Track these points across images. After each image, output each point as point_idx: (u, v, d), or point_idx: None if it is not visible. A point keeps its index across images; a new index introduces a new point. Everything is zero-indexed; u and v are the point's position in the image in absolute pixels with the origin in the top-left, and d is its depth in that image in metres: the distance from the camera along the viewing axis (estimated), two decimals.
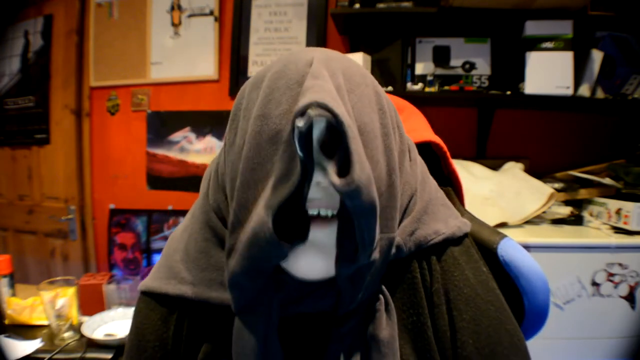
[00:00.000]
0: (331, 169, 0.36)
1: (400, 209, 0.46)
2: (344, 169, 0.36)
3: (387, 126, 0.44)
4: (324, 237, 0.40)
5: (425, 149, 0.64)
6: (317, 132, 0.39)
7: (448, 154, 0.65)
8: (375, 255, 0.40)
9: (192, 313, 0.49)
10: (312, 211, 0.40)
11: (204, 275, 0.47)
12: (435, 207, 0.50)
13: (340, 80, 0.41)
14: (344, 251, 0.39)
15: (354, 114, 0.40)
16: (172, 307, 0.49)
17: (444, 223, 0.49)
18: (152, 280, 0.51)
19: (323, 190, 0.40)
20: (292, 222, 0.39)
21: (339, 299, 0.43)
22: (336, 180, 0.35)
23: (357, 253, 0.38)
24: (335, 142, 0.38)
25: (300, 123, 0.35)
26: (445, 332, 0.46)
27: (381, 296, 0.45)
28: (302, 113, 0.35)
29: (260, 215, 0.37)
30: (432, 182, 0.54)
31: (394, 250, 0.44)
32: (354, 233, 0.38)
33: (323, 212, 0.40)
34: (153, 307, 0.50)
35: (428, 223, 0.48)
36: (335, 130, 0.36)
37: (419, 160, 0.53)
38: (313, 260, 0.40)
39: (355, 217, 0.37)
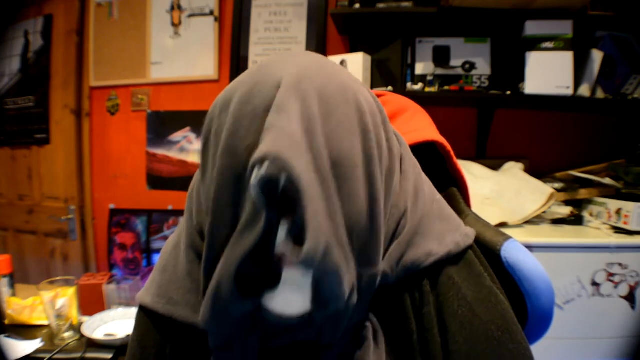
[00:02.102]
0: (287, 236, 0.34)
1: (387, 235, 0.44)
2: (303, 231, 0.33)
3: (371, 148, 0.40)
4: (297, 276, 0.38)
5: (429, 148, 0.63)
6: (282, 182, 0.35)
7: (452, 153, 0.63)
8: (353, 299, 0.38)
9: (184, 335, 0.49)
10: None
11: (189, 298, 0.46)
12: (429, 224, 0.47)
13: (314, 106, 0.37)
14: (317, 296, 0.38)
15: (328, 144, 0.37)
16: (168, 327, 0.49)
17: (438, 242, 0.46)
18: (146, 295, 0.51)
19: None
20: (262, 265, 0.37)
21: (321, 331, 0.41)
22: (287, 247, 0.33)
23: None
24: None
25: (255, 180, 0.32)
26: (437, 356, 0.44)
27: (368, 324, 0.43)
28: (258, 163, 0.33)
29: (223, 269, 0.35)
30: (427, 193, 0.50)
31: (379, 280, 0.42)
32: None
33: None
34: (152, 323, 0.50)
35: (419, 245, 0.45)
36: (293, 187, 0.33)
37: (410, 171, 0.49)
38: (288, 299, 0.38)
39: (318, 280, 0.36)
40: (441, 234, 0.47)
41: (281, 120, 0.35)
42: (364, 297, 0.41)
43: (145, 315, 0.51)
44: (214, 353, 0.42)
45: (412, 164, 0.51)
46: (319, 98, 0.38)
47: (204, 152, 0.42)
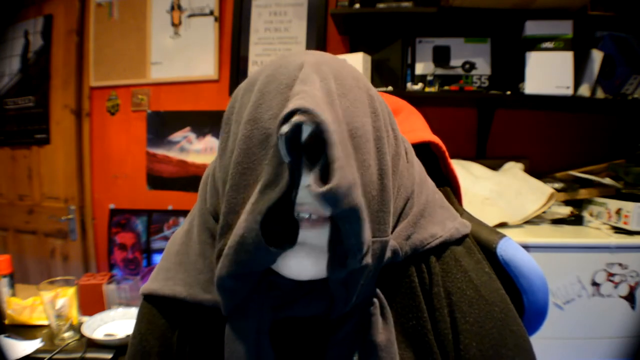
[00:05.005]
0: (314, 175, 0.36)
1: (395, 212, 0.46)
2: (327, 175, 0.35)
3: (380, 129, 0.44)
4: (314, 238, 0.40)
5: (423, 149, 0.64)
6: (304, 137, 0.39)
7: (447, 154, 0.65)
8: (368, 260, 0.39)
9: (192, 317, 0.49)
10: (303, 214, 0.40)
11: (201, 277, 0.46)
12: (432, 210, 0.50)
13: (332, 84, 0.41)
14: (335, 255, 0.39)
15: (345, 118, 0.40)
16: (176, 311, 0.49)
17: (441, 226, 0.49)
18: (152, 283, 0.51)
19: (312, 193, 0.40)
20: (282, 226, 0.39)
21: (332, 303, 0.42)
22: (315, 187, 0.34)
23: (347, 258, 0.38)
24: (320, 148, 0.38)
25: (285, 129, 0.35)
26: (447, 335, 0.45)
27: (376, 300, 0.44)
28: (287, 119, 0.35)
29: (248, 219, 0.37)
30: (430, 184, 0.54)
31: (389, 254, 0.44)
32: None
33: (314, 217, 0.40)
34: (156, 312, 0.50)
35: (425, 227, 0.48)
36: (321, 136, 0.36)
37: (416, 162, 0.53)
38: (303, 261, 0.40)
39: (339, 222, 0.37)
40: (443, 220, 0.50)
41: (306, 87, 0.39)
42: (374, 267, 0.42)
43: (150, 305, 0.51)
44: (229, 320, 0.42)
45: (417, 160, 0.54)
46: (335, 79, 0.42)
47: (225, 130, 0.45)
